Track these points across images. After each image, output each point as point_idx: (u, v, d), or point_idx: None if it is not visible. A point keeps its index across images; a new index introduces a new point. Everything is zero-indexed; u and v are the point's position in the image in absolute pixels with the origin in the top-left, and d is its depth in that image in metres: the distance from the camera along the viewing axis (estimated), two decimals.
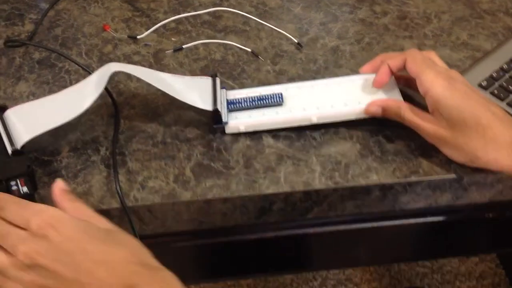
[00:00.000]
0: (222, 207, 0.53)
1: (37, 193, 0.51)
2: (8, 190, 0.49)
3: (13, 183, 0.49)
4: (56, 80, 0.62)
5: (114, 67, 0.54)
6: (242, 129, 0.56)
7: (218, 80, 0.58)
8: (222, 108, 0.56)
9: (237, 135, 0.57)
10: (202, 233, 0.57)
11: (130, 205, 0.51)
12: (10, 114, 0.53)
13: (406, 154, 0.55)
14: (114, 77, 0.62)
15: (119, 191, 0.51)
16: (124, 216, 0.51)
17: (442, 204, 0.56)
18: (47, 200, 0.50)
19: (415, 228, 0.61)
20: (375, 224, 0.60)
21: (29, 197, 0.49)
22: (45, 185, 0.52)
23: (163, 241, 0.57)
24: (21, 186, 0.49)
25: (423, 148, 0.55)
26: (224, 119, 0.55)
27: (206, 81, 0.58)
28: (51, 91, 0.60)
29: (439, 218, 0.60)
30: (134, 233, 0.51)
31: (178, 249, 0.59)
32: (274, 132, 0.57)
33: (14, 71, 0.63)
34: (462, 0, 0.73)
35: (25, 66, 0.63)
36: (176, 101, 0.55)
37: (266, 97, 0.57)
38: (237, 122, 0.56)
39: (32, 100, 0.58)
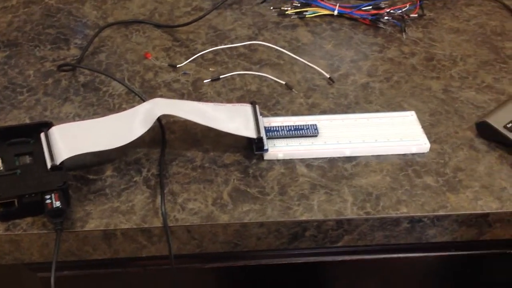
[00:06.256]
0: (258, 231, 0.55)
1: (70, 210, 0.53)
2: (42, 203, 0.51)
3: (47, 196, 0.52)
4: (100, 103, 0.65)
5: (160, 109, 0.57)
6: (280, 156, 0.59)
7: (257, 108, 0.61)
8: (263, 135, 0.59)
9: (272, 163, 0.59)
10: (235, 256, 0.59)
11: (171, 225, 0.53)
12: (55, 131, 0.56)
13: (434, 189, 0.57)
14: None
15: (164, 212, 0.53)
16: (163, 235, 0.54)
17: (467, 239, 0.58)
18: (81, 218, 0.53)
19: (439, 261, 0.63)
20: (401, 255, 0.62)
21: (61, 212, 0.51)
22: (90, 203, 0.55)
23: (199, 261, 0.59)
24: (55, 200, 0.51)
25: (450, 184, 0.58)
26: (265, 146, 0.58)
27: (246, 108, 0.61)
28: (96, 113, 0.63)
29: (463, 253, 0.62)
30: (170, 252, 0.53)
31: (211, 270, 0.61)
32: (307, 162, 0.60)
33: (60, 92, 0.66)
34: (487, 46, 0.76)
35: (71, 89, 0.66)
36: (213, 128, 0.58)
37: (302, 127, 0.60)
38: (275, 149, 0.59)
39: (78, 120, 0.61)
